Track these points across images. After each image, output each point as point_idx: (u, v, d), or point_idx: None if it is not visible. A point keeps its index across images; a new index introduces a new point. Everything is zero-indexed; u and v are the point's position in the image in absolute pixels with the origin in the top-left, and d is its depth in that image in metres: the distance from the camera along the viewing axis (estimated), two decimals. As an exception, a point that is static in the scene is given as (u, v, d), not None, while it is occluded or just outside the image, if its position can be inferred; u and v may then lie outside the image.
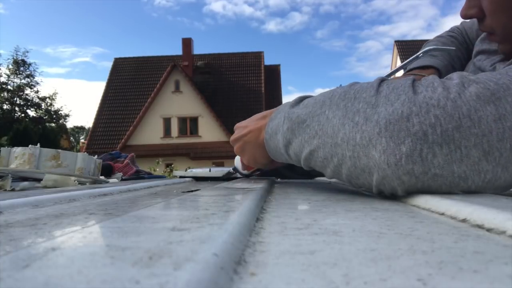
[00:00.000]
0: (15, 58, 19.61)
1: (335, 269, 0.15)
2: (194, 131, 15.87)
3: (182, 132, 15.87)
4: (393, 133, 0.37)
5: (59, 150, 0.84)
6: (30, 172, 0.79)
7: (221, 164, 14.23)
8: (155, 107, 15.64)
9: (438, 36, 0.95)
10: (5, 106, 19.64)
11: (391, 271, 0.14)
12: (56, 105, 21.49)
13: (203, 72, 17.55)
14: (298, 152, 0.48)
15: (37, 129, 16.47)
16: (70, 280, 0.11)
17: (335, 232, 0.22)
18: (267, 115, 0.59)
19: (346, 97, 0.43)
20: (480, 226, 0.23)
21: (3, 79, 19.47)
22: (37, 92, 20.48)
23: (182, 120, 15.88)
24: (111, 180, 1.02)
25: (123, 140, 15.11)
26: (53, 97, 20.97)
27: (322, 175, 0.98)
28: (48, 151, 0.83)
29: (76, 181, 0.80)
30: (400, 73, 0.91)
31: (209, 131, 15.54)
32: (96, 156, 0.98)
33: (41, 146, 0.83)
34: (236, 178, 0.96)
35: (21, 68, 19.86)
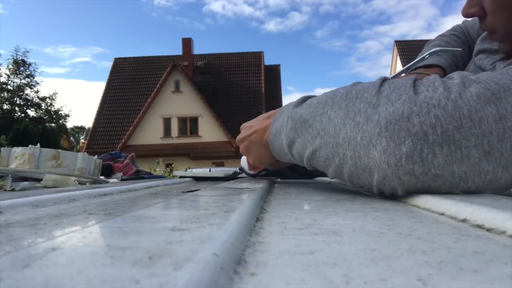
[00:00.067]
0: (15, 58, 19.62)
1: (335, 269, 0.15)
2: (194, 131, 15.87)
3: (182, 132, 15.87)
4: (393, 133, 0.37)
5: (59, 150, 0.84)
6: (30, 172, 0.79)
7: (221, 164, 14.24)
8: (155, 107, 15.65)
9: (440, 35, 0.94)
10: (5, 106, 19.65)
11: (391, 271, 0.14)
12: (56, 105, 21.51)
13: (203, 72, 17.55)
14: (301, 151, 0.48)
15: (37, 129, 16.47)
16: (70, 280, 0.11)
17: (335, 232, 0.22)
18: (272, 115, 0.59)
19: (348, 97, 0.43)
20: (480, 226, 0.23)
21: (3, 79, 19.50)
22: (37, 92, 20.50)
23: (182, 120, 15.88)
24: (111, 180, 1.02)
25: (123, 140, 15.11)
26: (53, 97, 20.98)
27: (322, 175, 0.98)
28: (48, 151, 0.83)
29: (76, 181, 0.80)
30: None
31: (209, 131, 15.55)
32: (96, 156, 0.98)
33: (41, 146, 0.83)
34: (236, 178, 0.96)
35: (21, 68, 19.88)
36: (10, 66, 19.54)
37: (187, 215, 0.24)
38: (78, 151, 4.22)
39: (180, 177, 1.07)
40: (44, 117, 20.57)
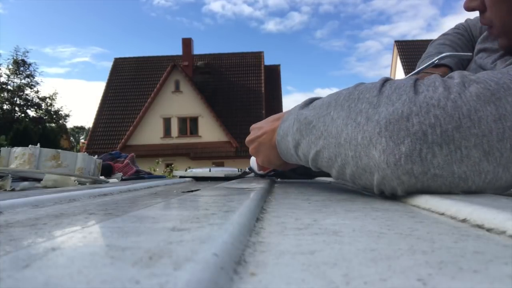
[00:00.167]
0: (15, 58, 19.61)
1: (335, 269, 0.15)
2: (194, 131, 15.87)
3: (182, 132, 15.87)
4: (392, 133, 0.38)
5: (59, 150, 0.84)
6: (30, 172, 0.79)
7: (221, 164, 14.25)
8: (155, 107, 15.65)
9: (444, 34, 0.94)
10: (5, 106, 19.65)
11: (391, 271, 0.14)
12: (56, 105, 21.48)
13: (203, 72, 17.55)
14: (306, 152, 0.49)
15: (37, 129, 16.47)
16: (70, 280, 0.11)
17: (335, 232, 0.22)
18: (281, 117, 0.60)
19: (350, 97, 0.43)
20: (480, 226, 0.23)
21: (3, 79, 19.49)
22: (37, 92, 20.50)
23: (182, 120, 15.88)
24: (111, 180, 1.02)
25: (123, 140, 15.11)
26: (53, 97, 20.97)
27: (322, 175, 0.98)
28: (48, 151, 0.83)
29: (76, 181, 0.80)
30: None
31: (209, 131, 15.55)
32: (96, 156, 0.98)
33: (41, 146, 0.83)
34: (236, 178, 0.96)
35: (21, 68, 19.87)
36: (10, 66, 19.55)
37: (187, 215, 0.24)
38: (78, 151, 4.23)
39: (180, 177, 1.07)
40: (44, 117, 20.56)
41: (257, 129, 0.66)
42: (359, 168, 0.41)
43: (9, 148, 0.84)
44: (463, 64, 0.84)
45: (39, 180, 0.75)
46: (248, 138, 0.68)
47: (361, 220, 0.26)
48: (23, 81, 20.03)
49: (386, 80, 0.43)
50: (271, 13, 62.36)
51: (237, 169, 1.33)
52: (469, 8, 0.61)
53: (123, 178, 1.14)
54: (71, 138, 29.91)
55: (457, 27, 0.95)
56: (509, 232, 0.21)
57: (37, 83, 20.53)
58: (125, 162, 1.25)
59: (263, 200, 0.39)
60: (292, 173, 0.98)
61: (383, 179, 0.39)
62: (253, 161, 0.88)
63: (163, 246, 0.15)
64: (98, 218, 0.30)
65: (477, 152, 0.36)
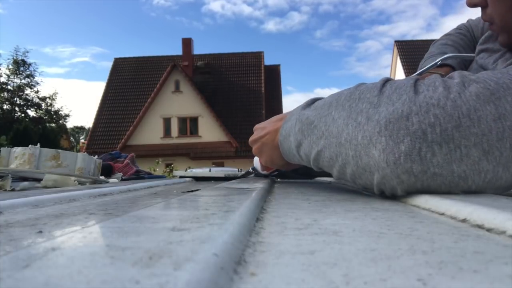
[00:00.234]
0: (15, 58, 19.61)
1: (335, 269, 0.15)
2: (194, 131, 15.87)
3: (182, 132, 15.87)
4: (392, 132, 0.38)
5: (59, 150, 0.84)
6: (30, 172, 0.79)
7: (221, 164, 14.24)
8: (155, 107, 15.65)
9: (446, 34, 0.94)
10: (5, 106, 19.64)
11: (391, 271, 0.14)
12: (56, 105, 21.47)
13: (203, 72, 17.55)
14: (308, 152, 0.49)
15: (37, 129, 16.46)
16: (70, 280, 0.11)
17: (335, 232, 0.22)
18: (284, 117, 0.60)
19: (352, 97, 0.43)
20: (480, 226, 0.23)
21: (3, 79, 19.48)
22: (37, 92, 20.49)
23: (182, 120, 15.88)
24: (111, 180, 1.02)
25: (123, 140, 15.11)
26: (53, 97, 20.97)
27: (322, 175, 0.98)
28: (48, 151, 0.83)
29: (76, 181, 0.80)
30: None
31: (209, 131, 15.55)
32: (96, 156, 0.98)
33: (41, 146, 0.83)
34: (236, 178, 0.96)
35: (21, 68, 19.86)
36: (10, 66, 19.55)
37: (187, 215, 0.24)
38: (78, 151, 4.22)
39: (180, 177, 1.07)
40: (44, 117, 20.55)
41: (261, 129, 0.66)
42: (359, 167, 0.41)
43: (9, 148, 0.84)
44: (466, 65, 0.84)
45: (39, 180, 0.75)
46: (251, 138, 0.68)
47: (361, 220, 0.26)
48: (23, 81, 20.03)
49: (387, 80, 0.44)
50: (270, 13, 62.41)
51: (237, 169, 1.33)
52: (471, 4, 0.61)
53: (123, 178, 1.14)
54: (71, 138, 29.91)
55: (459, 27, 0.95)
56: (509, 232, 0.21)
57: (37, 83, 20.53)
58: (125, 162, 1.25)
59: (263, 200, 0.39)
60: (292, 173, 0.98)
61: (383, 178, 0.40)
62: (256, 161, 0.88)
63: (163, 246, 0.15)
64: (98, 218, 0.30)
65: (476, 151, 0.37)
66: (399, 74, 16.78)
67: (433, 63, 0.79)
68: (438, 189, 0.38)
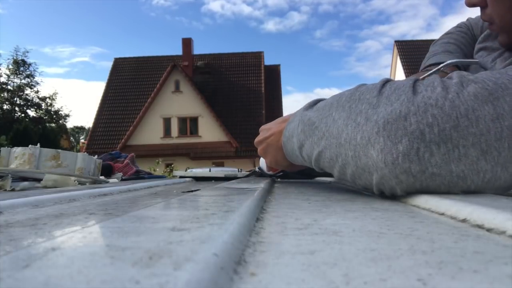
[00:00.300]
0: (15, 58, 19.61)
1: (335, 269, 0.15)
2: (194, 131, 15.87)
3: (182, 132, 15.87)
4: (390, 132, 0.38)
5: (59, 150, 0.84)
6: (30, 172, 0.79)
7: (221, 164, 14.25)
8: (155, 107, 15.65)
9: (447, 33, 0.94)
10: (5, 106, 19.64)
11: (391, 271, 0.14)
12: (56, 105, 21.47)
13: (203, 72, 17.55)
14: (310, 153, 0.49)
15: (37, 129, 16.46)
16: (70, 280, 0.11)
17: (335, 232, 0.22)
18: (288, 119, 0.60)
19: (352, 98, 0.44)
20: (480, 226, 0.23)
21: (3, 79, 19.48)
22: (37, 92, 20.49)
23: (182, 120, 15.88)
24: (111, 180, 1.02)
25: (123, 140, 15.11)
26: (53, 97, 20.97)
27: (323, 175, 0.98)
28: (48, 151, 0.83)
29: (76, 181, 0.80)
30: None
31: (209, 131, 15.55)
32: (96, 156, 0.98)
33: (41, 146, 0.83)
34: (236, 178, 0.96)
35: (21, 68, 19.86)
36: (10, 66, 19.55)
37: (187, 215, 0.24)
38: (78, 151, 4.22)
39: (180, 177, 1.07)
40: (44, 117, 20.55)
41: (266, 130, 0.67)
42: (359, 168, 0.42)
43: (9, 148, 0.84)
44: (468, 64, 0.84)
45: (39, 180, 0.75)
46: (257, 139, 0.69)
47: (361, 220, 0.26)
48: (23, 81, 20.03)
49: (386, 81, 0.44)
50: (270, 12, 62.43)
51: (237, 169, 1.33)
52: (470, 4, 0.61)
53: (123, 178, 1.14)
54: (71, 138, 29.90)
55: (459, 25, 0.95)
56: (509, 232, 0.21)
57: (37, 83, 20.54)
58: (125, 162, 1.25)
59: (263, 200, 0.39)
60: (292, 173, 0.98)
61: (382, 178, 0.40)
62: (262, 162, 0.88)
63: (163, 246, 0.15)
64: (98, 218, 0.30)
65: (474, 151, 0.37)
66: (399, 74, 16.79)
67: (436, 68, 0.79)
68: (438, 189, 0.38)
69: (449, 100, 0.37)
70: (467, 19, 0.94)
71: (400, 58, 17.09)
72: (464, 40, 0.89)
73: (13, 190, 0.63)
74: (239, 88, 17.09)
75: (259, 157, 0.84)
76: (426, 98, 0.38)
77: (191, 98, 15.71)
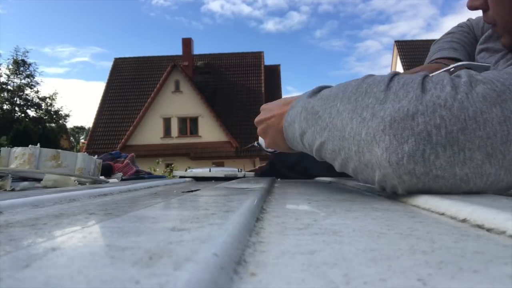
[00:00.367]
0: (15, 58, 19.61)
1: (335, 269, 0.15)
2: (194, 131, 15.87)
3: (182, 132, 15.87)
4: (397, 131, 0.37)
5: (59, 150, 0.84)
6: (30, 172, 0.79)
7: (221, 164, 14.24)
8: (155, 107, 15.64)
9: (448, 33, 0.94)
10: (5, 106, 19.64)
11: (391, 271, 0.14)
12: (56, 105, 21.47)
13: (203, 72, 17.55)
14: (311, 142, 0.49)
15: (37, 129, 16.46)
16: (70, 280, 0.11)
17: (335, 232, 0.22)
18: (291, 102, 0.59)
19: (358, 90, 0.43)
20: (480, 226, 0.23)
21: (3, 79, 19.48)
22: (37, 92, 20.49)
23: (182, 120, 15.88)
24: (111, 180, 1.02)
25: (123, 140, 15.11)
26: (53, 97, 20.97)
27: (322, 175, 0.98)
28: (48, 151, 0.83)
29: (76, 181, 0.80)
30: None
31: (209, 131, 15.54)
32: (96, 156, 0.98)
33: (41, 146, 0.83)
34: (236, 178, 0.96)
35: (21, 68, 19.86)
36: (10, 66, 19.55)
37: (187, 215, 0.24)
38: (78, 151, 4.22)
39: (180, 177, 1.07)
40: (44, 117, 20.55)
41: (267, 110, 0.66)
42: (362, 163, 0.41)
43: (9, 148, 0.84)
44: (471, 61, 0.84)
45: (39, 180, 0.75)
46: (257, 119, 0.68)
47: (361, 220, 0.26)
48: (23, 81, 20.02)
49: (395, 75, 0.43)
50: (270, 12, 62.44)
51: (237, 169, 1.32)
52: (472, 7, 0.61)
53: (123, 178, 1.14)
54: (71, 138, 29.90)
55: (461, 25, 0.94)
56: (509, 232, 0.21)
57: (37, 83, 20.54)
58: (125, 162, 1.25)
59: (263, 200, 0.39)
60: (292, 173, 0.98)
61: (384, 176, 0.39)
62: (262, 139, 0.87)
63: (163, 246, 0.15)
64: (98, 218, 0.30)
65: (480, 155, 0.36)
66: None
67: (447, 68, 0.78)
68: (439, 190, 0.38)
69: (458, 101, 0.37)
70: (468, 20, 0.94)
71: (400, 58, 17.08)
72: (467, 39, 0.89)
73: (13, 190, 0.63)
74: (239, 88, 17.08)
75: (259, 158, 0.84)
76: (435, 98, 0.37)
77: (191, 98, 15.70)
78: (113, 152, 1.36)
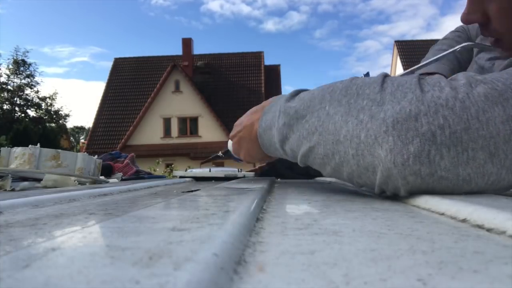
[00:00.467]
0: (15, 58, 19.61)
1: (335, 269, 0.15)
2: (194, 131, 15.87)
3: (182, 132, 15.87)
4: (401, 132, 0.37)
5: (59, 150, 0.84)
6: (30, 172, 0.79)
7: (221, 164, 14.23)
8: (155, 107, 15.65)
9: (444, 38, 0.95)
10: (5, 106, 19.64)
11: (391, 271, 0.14)
12: (56, 105, 21.48)
13: (203, 72, 17.55)
14: (295, 148, 0.47)
15: (37, 129, 16.46)
16: (70, 280, 0.11)
17: (335, 232, 0.22)
18: (260, 110, 0.58)
19: (348, 93, 0.42)
20: (480, 226, 0.23)
21: (3, 79, 19.49)
22: (37, 92, 20.50)
23: (182, 120, 15.88)
24: (111, 180, 1.02)
25: (123, 140, 15.11)
26: (53, 97, 20.98)
27: (322, 175, 0.98)
28: (48, 151, 0.83)
29: (76, 181, 0.80)
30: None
31: (209, 131, 15.54)
32: (96, 156, 0.98)
33: (41, 146, 0.83)
34: (236, 178, 0.96)
35: (21, 68, 19.87)
36: (10, 66, 19.55)
37: (187, 215, 0.24)
38: (78, 151, 4.22)
39: (180, 177, 1.07)
40: (44, 117, 20.56)
41: (238, 125, 0.66)
42: (360, 167, 0.41)
43: (9, 148, 0.84)
44: (462, 67, 0.84)
45: (39, 180, 0.75)
46: (230, 135, 0.68)
47: (361, 220, 0.26)
48: (23, 81, 20.04)
49: (385, 76, 0.42)
50: (269, 12, 62.45)
51: (237, 169, 1.32)
52: (468, 21, 0.56)
53: (123, 178, 1.14)
54: (71, 138, 29.90)
55: (457, 29, 0.95)
56: (509, 232, 0.21)
57: (37, 83, 20.55)
58: (125, 162, 1.25)
59: (263, 200, 0.39)
60: (292, 173, 0.98)
61: (388, 178, 0.39)
62: (230, 144, 0.85)
63: (163, 246, 0.15)
64: (98, 218, 0.30)
65: (483, 154, 0.36)
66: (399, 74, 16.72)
67: (452, 49, 0.75)
68: (442, 191, 0.38)
69: (459, 101, 0.37)
70: None
71: (400, 58, 17.09)
72: (458, 44, 0.89)
73: (13, 190, 0.63)
74: (239, 88, 17.08)
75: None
76: (436, 98, 0.37)
77: (191, 98, 15.70)
78: (113, 152, 1.36)
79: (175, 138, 15.73)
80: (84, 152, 0.93)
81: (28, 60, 20.53)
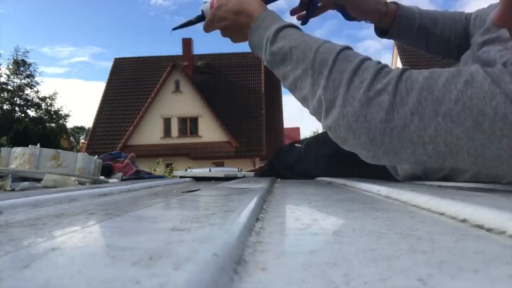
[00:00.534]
0: (15, 58, 19.61)
1: (335, 269, 0.15)
2: (194, 131, 15.87)
3: (182, 132, 15.86)
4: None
5: (59, 150, 0.84)
6: (30, 172, 0.79)
7: (221, 164, 14.24)
8: (155, 107, 15.64)
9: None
10: (5, 106, 19.64)
11: (391, 271, 0.14)
12: (56, 105, 21.48)
13: (203, 72, 17.54)
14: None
15: (37, 129, 16.46)
16: (70, 280, 0.11)
17: (335, 232, 0.22)
18: (244, 13, 0.74)
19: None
20: (480, 226, 0.23)
21: (3, 79, 19.49)
22: (37, 92, 20.50)
23: (182, 120, 15.88)
24: (111, 180, 1.02)
25: (123, 140, 15.10)
26: (53, 97, 20.98)
27: (322, 175, 0.97)
28: (48, 151, 0.83)
29: (76, 181, 0.80)
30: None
31: (209, 131, 15.54)
32: (96, 156, 0.98)
33: (41, 146, 0.83)
34: (236, 178, 0.96)
35: (21, 68, 19.87)
36: (10, 66, 19.55)
37: (187, 215, 0.24)
38: (78, 151, 4.22)
39: (180, 177, 1.07)
40: (44, 117, 20.56)
41: (223, 17, 0.75)
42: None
43: (9, 148, 0.84)
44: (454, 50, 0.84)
45: (39, 180, 0.75)
46: (218, 12, 0.75)
47: (361, 220, 0.26)
48: (23, 81, 20.04)
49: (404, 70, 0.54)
50: (270, 13, 62.37)
51: (237, 169, 1.32)
52: (501, 23, 0.50)
53: (123, 178, 1.13)
54: (71, 138, 29.89)
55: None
56: (509, 232, 0.21)
57: (37, 83, 20.55)
58: (125, 162, 1.25)
59: (263, 200, 0.39)
60: (292, 173, 0.98)
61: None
62: (207, 7, 0.81)
63: (163, 246, 0.15)
64: (98, 218, 0.30)
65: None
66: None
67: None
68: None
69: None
70: (476, 11, 0.89)
71: (400, 58, 17.08)
72: (452, 21, 0.86)
73: (13, 190, 0.63)
74: (239, 88, 17.07)
75: (259, 158, 0.84)
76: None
77: (191, 98, 15.70)
78: (113, 152, 1.36)
79: (175, 138, 15.73)
80: (84, 152, 0.93)
81: (28, 60, 20.52)
